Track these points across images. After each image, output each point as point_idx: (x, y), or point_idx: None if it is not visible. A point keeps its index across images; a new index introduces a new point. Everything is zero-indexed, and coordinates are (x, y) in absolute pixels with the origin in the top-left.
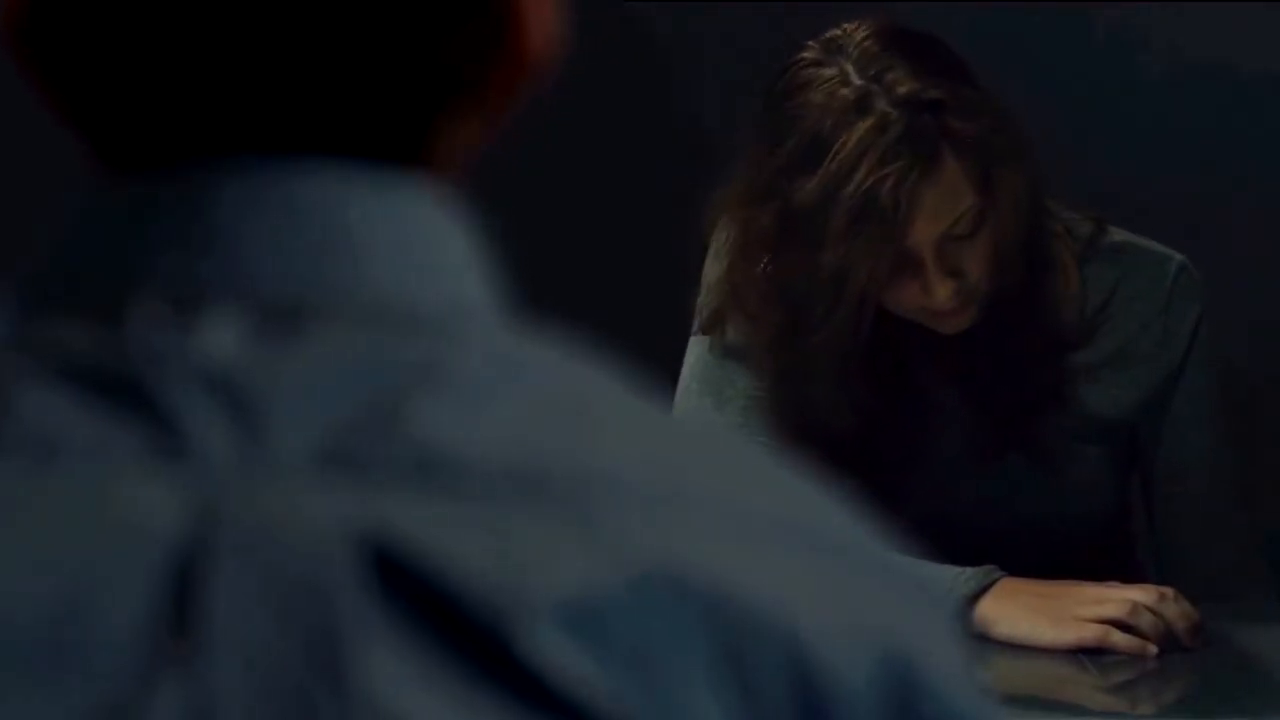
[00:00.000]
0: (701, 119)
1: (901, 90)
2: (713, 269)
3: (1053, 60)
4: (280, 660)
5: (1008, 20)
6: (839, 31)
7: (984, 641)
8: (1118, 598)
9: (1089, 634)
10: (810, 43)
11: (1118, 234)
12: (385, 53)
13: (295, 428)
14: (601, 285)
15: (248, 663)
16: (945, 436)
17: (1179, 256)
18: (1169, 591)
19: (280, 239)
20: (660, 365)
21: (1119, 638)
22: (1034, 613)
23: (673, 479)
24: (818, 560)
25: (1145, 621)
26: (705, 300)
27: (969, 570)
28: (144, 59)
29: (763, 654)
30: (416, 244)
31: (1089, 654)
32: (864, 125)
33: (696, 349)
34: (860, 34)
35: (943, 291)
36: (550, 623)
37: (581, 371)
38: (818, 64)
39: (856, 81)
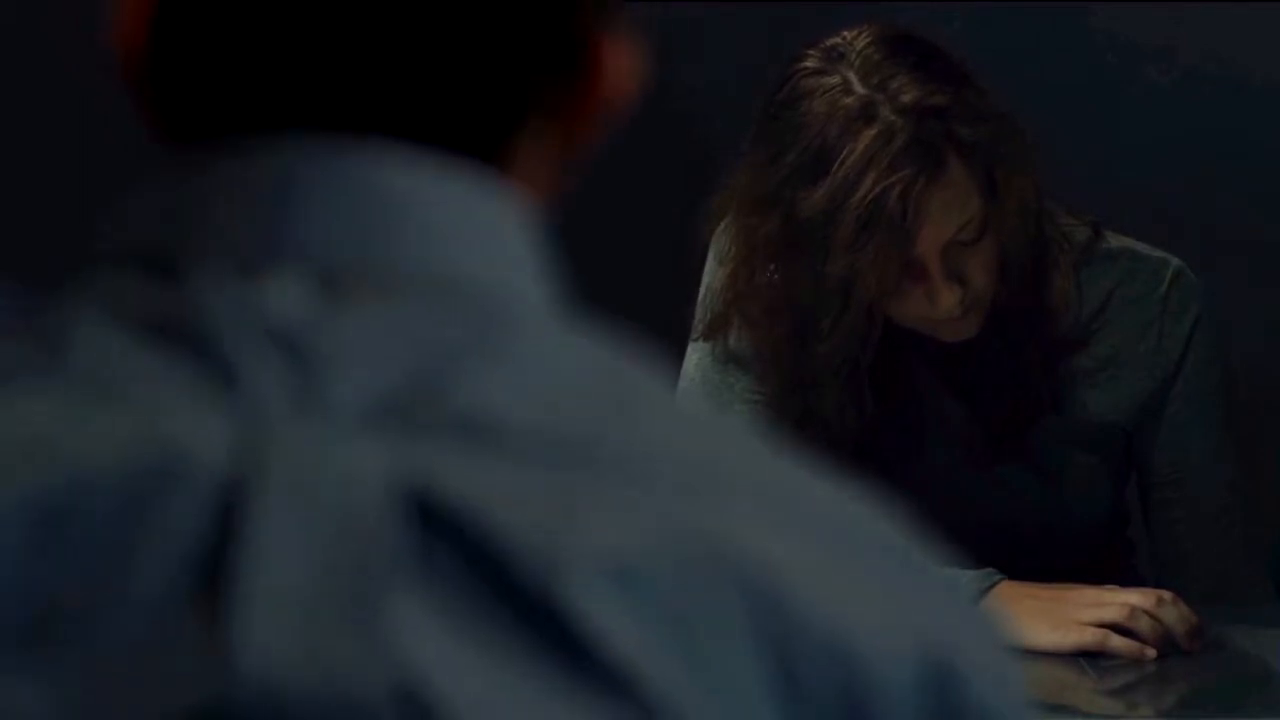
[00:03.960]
0: (702, 120)
1: (905, 98)
2: (714, 274)
3: (1051, 64)
4: (314, 607)
5: (1005, 23)
6: (839, 39)
7: None
8: (1116, 601)
9: (1088, 637)
10: (810, 50)
11: (1114, 239)
12: (471, 60)
13: (348, 382)
14: (598, 287)
15: (282, 602)
16: (940, 444)
17: (1176, 261)
18: (1168, 595)
19: (349, 210)
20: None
21: (1118, 641)
22: (1033, 616)
23: (718, 465)
24: (861, 556)
25: (1144, 625)
26: (706, 306)
27: (968, 573)
28: (244, 41)
29: (806, 643)
30: (479, 231)
31: (1088, 657)
32: (869, 134)
33: (696, 354)
34: (861, 41)
35: (948, 299)
36: (594, 579)
37: (626, 363)
38: (819, 72)
39: (860, 90)
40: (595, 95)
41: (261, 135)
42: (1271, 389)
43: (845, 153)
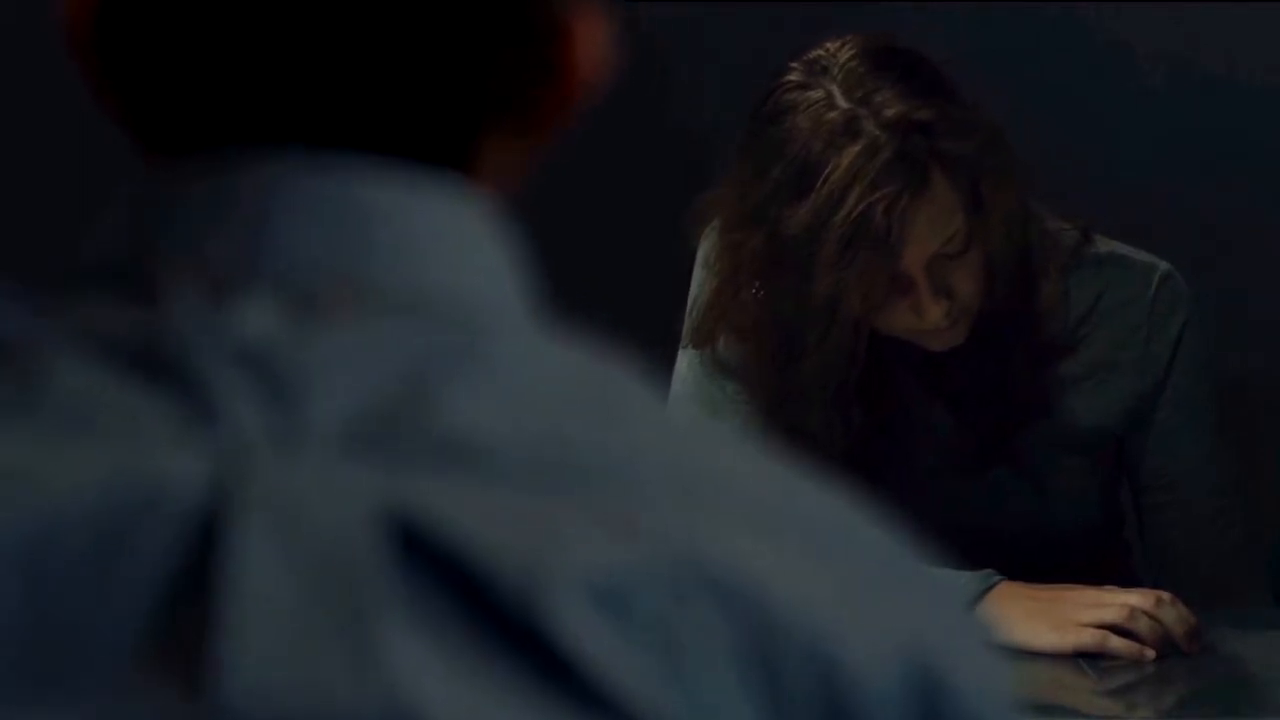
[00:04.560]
0: (701, 120)
1: (889, 112)
2: (702, 284)
3: (1050, 64)
4: (302, 630)
5: (1005, 23)
6: (822, 51)
7: None
8: (1116, 602)
9: (1087, 639)
10: (793, 64)
11: (1104, 243)
12: (435, 65)
13: (326, 404)
14: (593, 289)
15: (269, 630)
16: (930, 450)
17: (1164, 265)
18: (1167, 596)
19: (321, 228)
20: (657, 370)
21: (1117, 642)
22: (1032, 617)
23: (701, 474)
24: (847, 561)
25: (1143, 626)
26: (695, 315)
27: (967, 574)
28: (202, 54)
29: (790, 650)
30: (453, 242)
31: (1087, 658)
32: (853, 149)
33: (686, 359)
34: (845, 54)
35: (935, 312)
36: (577, 599)
37: (608, 370)
38: (803, 86)
39: (843, 104)
40: (568, 84)
41: (232, 149)
42: (1271, 389)
43: (829, 169)
